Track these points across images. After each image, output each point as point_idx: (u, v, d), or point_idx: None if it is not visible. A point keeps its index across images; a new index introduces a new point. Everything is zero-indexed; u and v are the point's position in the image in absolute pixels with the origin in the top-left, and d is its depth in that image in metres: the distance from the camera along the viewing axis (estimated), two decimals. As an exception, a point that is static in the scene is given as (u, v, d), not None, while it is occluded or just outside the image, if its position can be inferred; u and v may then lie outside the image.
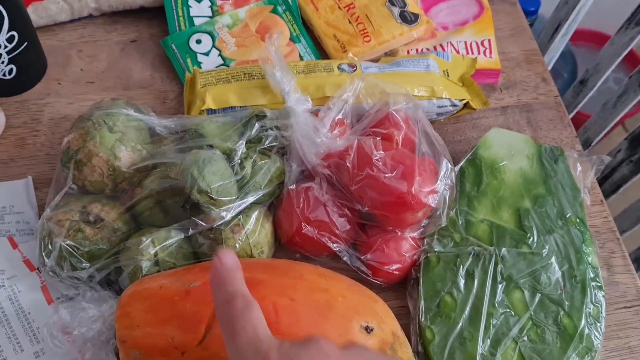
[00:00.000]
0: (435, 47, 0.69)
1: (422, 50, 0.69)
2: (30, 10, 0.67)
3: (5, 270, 0.52)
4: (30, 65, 0.64)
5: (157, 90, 0.66)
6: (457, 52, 0.68)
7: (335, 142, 0.51)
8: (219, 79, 0.59)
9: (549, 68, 0.98)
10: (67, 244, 0.49)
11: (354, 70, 0.60)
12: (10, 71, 0.62)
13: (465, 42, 0.69)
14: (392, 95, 0.53)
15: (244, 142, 0.52)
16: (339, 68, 0.60)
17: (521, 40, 0.73)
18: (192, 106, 0.59)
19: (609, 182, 0.93)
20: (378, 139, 0.51)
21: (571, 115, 1.01)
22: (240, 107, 0.58)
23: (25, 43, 0.61)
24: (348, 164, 0.49)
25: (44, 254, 0.50)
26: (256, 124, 0.54)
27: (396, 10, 0.69)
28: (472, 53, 0.68)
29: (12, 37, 0.59)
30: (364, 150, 0.49)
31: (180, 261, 0.51)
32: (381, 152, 0.49)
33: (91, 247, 0.49)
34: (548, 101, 0.68)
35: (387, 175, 0.48)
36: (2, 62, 0.60)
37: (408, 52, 0.69)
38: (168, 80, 0.67)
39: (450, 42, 0.69)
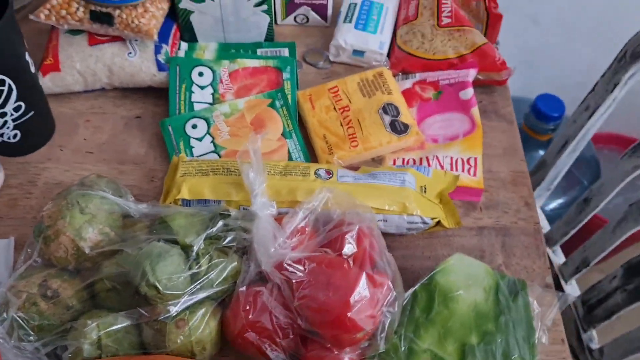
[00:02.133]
0: (421, 159, 0.70)
1: (408, 161, 0.70)
2: (47, 79, 0.72)
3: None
4: (34, 132, 0.69)
5: (148, 168, 0.69)
6: (442, 166, 0.69)
7: (286, 255, 0.52)
8: (198, 170, 0.62)
9: (555, 184, 0.97)
10: (18, 316, 0.51)
11: (330, 178, 0.62)
12: (15, 136, 0.67)
13: (452, 158, 0.70)
14: (349, 212, 0.55)
15: (203, 238, 0.54)
16: (315, 174, 0.62)
17: (512, 160, 0.73)
18: (169, 192, 0.61)
19: (602, 308, 0.90)
20: (327, 257, 0.52)
21: (575, 230, 0.99)
22: (214, 201, 0.60)
23: (32, 112, 0.66)
24: (292, 279, 0.51)
25: (-2, 322, 0.52)
26: (220, 222, 0.56)
27: (387, 119, 0.71)
28: (457, 169, 0.69)
29: (19, 106, 0.64)
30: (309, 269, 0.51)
31: (125, 349, 0.52)
32: (326, 271, 0.50)
33: (41, 322, 0.52)
34: (527, 227, 0.68)
35: (325, 295, 0.49)
36: (8, 128, 0.65)
37: (394, 161, 0.70)
38: (160, 159, 0.70)
39: (437, 156, 0.70)
